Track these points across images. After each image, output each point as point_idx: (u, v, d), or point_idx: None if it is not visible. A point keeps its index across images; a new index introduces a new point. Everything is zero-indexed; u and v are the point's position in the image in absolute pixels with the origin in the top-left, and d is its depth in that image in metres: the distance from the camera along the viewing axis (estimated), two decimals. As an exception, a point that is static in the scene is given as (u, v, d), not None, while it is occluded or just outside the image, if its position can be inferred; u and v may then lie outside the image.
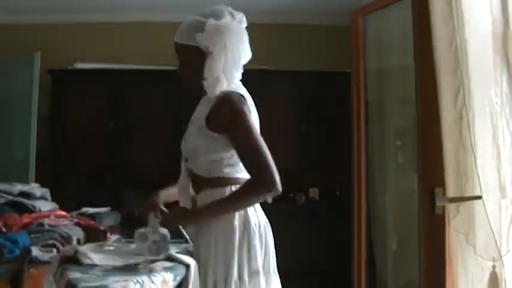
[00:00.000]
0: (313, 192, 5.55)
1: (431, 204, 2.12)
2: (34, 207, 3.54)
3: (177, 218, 2.11)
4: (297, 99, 5.48)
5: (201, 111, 2.11)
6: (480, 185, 2.05)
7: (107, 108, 5.45)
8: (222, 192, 2.05)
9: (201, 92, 2.15)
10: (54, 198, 3.98)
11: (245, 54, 2.13)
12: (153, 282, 1.85)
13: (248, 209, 2.05)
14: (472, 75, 2.11)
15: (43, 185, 4.04)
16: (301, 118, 5.35)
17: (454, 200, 2.14)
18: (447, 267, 2.15)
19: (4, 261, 2.55)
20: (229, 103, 2.02)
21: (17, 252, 2.68)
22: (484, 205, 2.03)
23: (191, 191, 2.17)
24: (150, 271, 1.93)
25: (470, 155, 2.09)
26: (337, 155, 4.94)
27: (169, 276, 1.93)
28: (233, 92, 2.06)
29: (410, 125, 4.00)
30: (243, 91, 2.13)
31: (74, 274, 1.87)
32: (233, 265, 1.99)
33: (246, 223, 2.04)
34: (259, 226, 2.07)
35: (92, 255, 2.02)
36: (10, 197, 3.55)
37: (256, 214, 2.09)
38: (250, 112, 2.06)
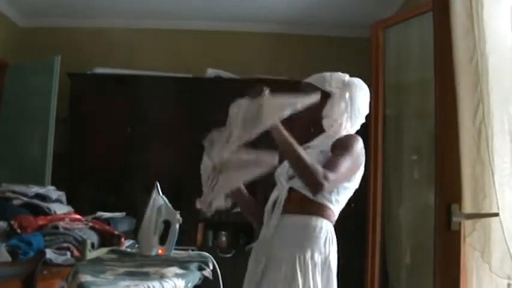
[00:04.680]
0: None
1: (447, 220, 2.10)
2: (49, 209, 3.55)
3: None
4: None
5: (325, 140, 2.32)
6: (497, 202, 2.02)
7: (125, 114, 5.47)
8: (310, 220, 2.15)
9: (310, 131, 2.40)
10: (69, 202, 4.00)
11: (362, 109, 2.41)
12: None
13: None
14: (491, 91, 2.09)
15: (59, 188, 4.06)
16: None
17: (470, 216, 2.11)
18: (461, 284, 2.12)
19: (18, 263, 2.56)
20: (353, 137, 2.30)
21: (31, 254, 2.69)
22: (500, 222, 2.01)
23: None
24: (162, 277, 1.93)
25: (488, 172, 2.07)
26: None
27: (180, 283, 1.93)
28: (356, 135, 2.34)
29: (427, 140, 3.99)
30: None
31: (86, 277, 1.88)
32: None
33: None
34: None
35: None
36: (26, 199, 3.57)
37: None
38: (363, 153, 2.30)
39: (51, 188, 3.99)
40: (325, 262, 2.11)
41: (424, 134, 4.13)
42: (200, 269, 2.26)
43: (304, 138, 2.31)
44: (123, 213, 4.04)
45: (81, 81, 5.56)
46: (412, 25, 4.17)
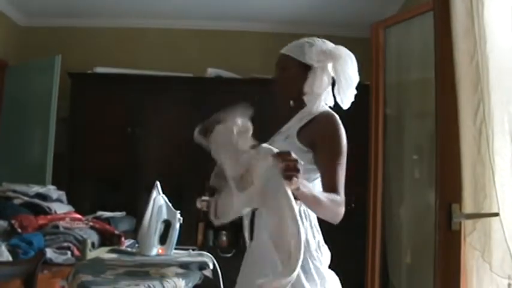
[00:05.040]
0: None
1: (448, 219, 2.10)
2: (50, 209, 3.56)
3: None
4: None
5: (296, 123, 2.15)
6: (498, 202, 2.02)
7: (126, 113, 5.47)
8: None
9: (291, 106, 2.24)
10: (69, 201, 4.00)
11: (352, 79, 2.21)
12: (164, 287, 1.86)
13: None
14: (492, 91, 2.09)
15: (59, 187, 4.07)
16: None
17: (471, 216, 2.11)
18: (462, 284, 2.12)
19: (18, 262, 2.56)
20: (333, 123, 2.09)
21: (32, 253, 2.70)
22: (501, 222, 2.01)
23: None
24: (162, 276, 1.93)
25: (489, 172, 2.07)
26: (353, 167, 4.92)
27: (181, 283, 1.93)
28: (332, 113, 2.15)
29: (427, 139, 3.99)
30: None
31: (86, 277, 1.88)
32: None
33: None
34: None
35: None
36: (26, 198, 3.58)
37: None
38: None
39: (52, 187, 4.00)
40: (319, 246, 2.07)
41: (424, 134, 4.13)
42: (200, 268, 2.26)
43: (285, 113, 2.22)
44: (124, 213, 4.05)
45: (82, 80, 5.56)
46: (413, 25, 4.16)
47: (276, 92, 2.27)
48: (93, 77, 5.58)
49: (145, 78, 5.51)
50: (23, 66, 5.67)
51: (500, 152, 2.05)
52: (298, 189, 1.69)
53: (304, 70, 2.21)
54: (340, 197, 1.95)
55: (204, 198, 2.21)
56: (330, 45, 2.28)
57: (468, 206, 2.12)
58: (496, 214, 2.02)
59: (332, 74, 2.21)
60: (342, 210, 1.94)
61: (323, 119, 2.12)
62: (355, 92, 2.23)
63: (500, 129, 2.07)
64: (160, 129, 5.39)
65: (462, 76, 2.14)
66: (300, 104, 2.21)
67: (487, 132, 2.07)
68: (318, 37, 2.37)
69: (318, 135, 2.07)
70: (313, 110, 2.15)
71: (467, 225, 2.13)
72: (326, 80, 2.20)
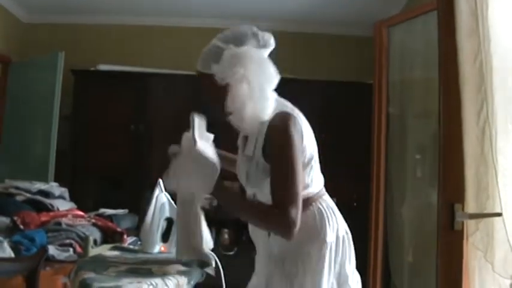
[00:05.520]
0: (331, 203, 5.45)
1: (450, 219, 2.10)
2: (52, 206, 3.56)
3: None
4: (316, 108, 5.46)
5: (257, 143, 2.01)
6: (500, 202, 2.02)
7: (129, 111, 5.48)
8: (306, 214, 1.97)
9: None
10: (72, 198, 4.00)
11: (270, 79, 1.97)
12: (166, 285, 1.86)
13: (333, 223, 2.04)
14: (495, 91, 2.08)
15: (62, 184, 4.07)
16: (321, 127, 5.29)
17: (473, 216, 2.11)
18: (464, 284, 2.12)
19: (21, 259, 2.57)
20: (278, 132, 1.91)
21: (34, 250, 2.70)
22: (503, 222, 2.01)
23: None
24: (164, 274, 1.93)
25: (492, 172, 2.07)
26: (356, 165, 4.91)
27: (183, 280, 1.93)
28: (280, 115, 1.95)
29: (430, 139, 3.98)
30: (288, 106, 2.04)
31: (88, 274, 1.88)
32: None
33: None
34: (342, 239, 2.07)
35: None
36: (29, 195, 3.59)
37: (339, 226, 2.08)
38: (299, 132, 1.95)
39: (54, 184, 4.00)
40: (338, 239, 2.04)
41: (427, 134, 4.12)
42: (202, 266, 2.26)
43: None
44: (126, 210, 4.04)
45: (85, 77, 5.56)
46: (416, 24, 4.16)
47: (213, 113, 2.09)
48: (96, 74, 5.58)
49: (148, 76, 5.51)
50: (26, 63, 5.68)
51: (503, 151, 2.05)
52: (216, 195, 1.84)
53: (222, 88, 1.99)
54: (285, 213, 1.81)
55: (206, 196, 2.21)
56: (242, 48, 1.97)
57: (471, 206, 2.11)
58: (499, 214, 2.02)
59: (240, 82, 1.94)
60: (284, 226, 1.82)
61: (270, 130, 1.94)
62: (276, 80, 2.01)
63: (504, 129, 2.07)
64: (163, 127, 5.38)
65: (466, 76, 2.14)
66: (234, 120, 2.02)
67: (490, 132, 2.07)
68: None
69: (269, 150, 1.94)
70: (261, 121, 1.96)
71: (469, 225, 2.13)
72: (246, 88, 1.93)
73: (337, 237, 2.05)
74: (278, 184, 1.87)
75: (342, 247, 2.05)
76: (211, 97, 2.07)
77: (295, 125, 1.93)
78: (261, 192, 2.02)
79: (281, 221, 1.82)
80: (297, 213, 1.83)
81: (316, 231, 2.00)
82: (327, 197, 2.14)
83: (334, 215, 2.09)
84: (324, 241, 1.99)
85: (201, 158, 1.86)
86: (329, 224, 2.03)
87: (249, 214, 1.94)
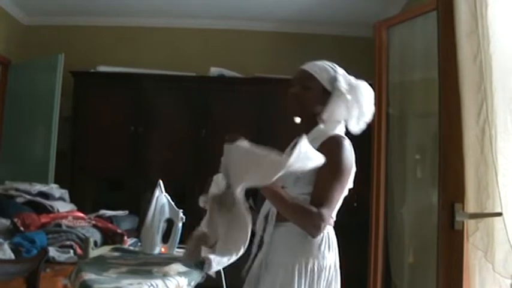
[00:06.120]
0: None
1: (451, 219, 2.10)
2: (52, 207, 3.57)
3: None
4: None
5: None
6: (501, 201, 2.02)
7: (128, 112, 5.48)
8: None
9: (306, 123, 2.28)
10: (72, 200, 4.01)
11: (364, 114, 2.29)
12: (167, 286, 1.86)
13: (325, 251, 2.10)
14: (495, 90, 2.09)
15: (62, 186, 4.08)
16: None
17: (473, 216, 2.11)
18: (464, 284, 2.12)
19: (21, 261, 2.57)
20: (339, 146, 2.12)
21: (34, 251, 2.70)
22: (504, 222, 2.01)
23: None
24: (165, 275, 1.93)
25: (492, 172, 2.07)
26: (356, 166, 4.91)
27: (183, 281, 1.93)
28: (342, 136, 2.20)
29: (430, 139, 3.98)
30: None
31: (89, 275, 1.88)
32: None
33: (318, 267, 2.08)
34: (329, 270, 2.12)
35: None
36: (29, 197, 3.59)
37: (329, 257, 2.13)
38: (353, 156, 2.17)
39: (54, 186, 4.01)
40: (323, 268, 2.07)
41: (427, 134, 4.12)
42: (203, 267, 2.26)
43: (291, 129, 2.26)
44: (126, 212, 4.05)
45: (85, 79, 5.56)
46: (416, 24, 4.16)
47: (290, 106, 2.31)
48: (95, 76, 5.58)
49: (148, 77, 5.51)
50: (26, 65, 5.68)
51: (503, 151, 2.05)
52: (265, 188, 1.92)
53: (324, 94, 2.25)
54: (318, 211, 1.97)
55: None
56: (352, 78, 2.36)
57: (471, 206, 2.12)
58: (499, 214, 2.02)
59: (348, 105, 2.25)
60: (314, 222, 1.97)
61: (330, 141, 2.15)
62: (367, 121, 2.31)
63: (503, 129, 2.07)
64: (163, 128, 5.39)
65: (465, 75, 2.14)
66: (311, 123, 2.25)
67: (490, 132, 2.07)
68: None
69: (323, 153, 2.04)
70: (328, 133, 2.19)
71: (470, 225, 2.13)
72: (344, 109, 2.24)
73: (325, 266, 2.09)
74: (321, 186, 2.05)
75: (325, 275, 2.08)
76: (301, 96, 2.28)
77: (352, 150, 2.17)
78: (293, 191, 2.11)
79: (313, 217, 1.97)
80: (329, 216, 2.04)
81: (305, 248, 2.07)
82: (331, 228, 2.19)
83: (330, 246, 2.14)
84: (307, 262, 2.05)
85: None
86: (319, 249, 2.10)
87: (289, 206, 2.02)
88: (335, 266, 2.14)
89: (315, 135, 2.19)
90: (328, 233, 2.14)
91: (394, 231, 4.36)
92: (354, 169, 2.19)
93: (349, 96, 2.23)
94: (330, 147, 2.10)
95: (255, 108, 5.23)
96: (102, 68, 5.58)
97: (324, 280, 2.07)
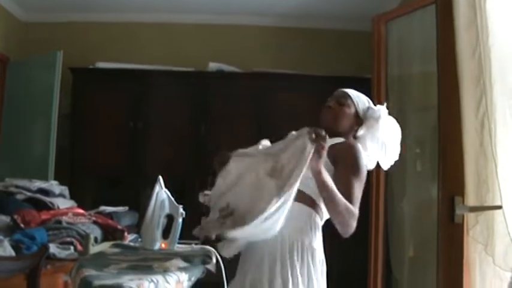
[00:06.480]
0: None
1: (451, 212, 2.10)
2: (52, 204, 3.56)
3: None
4: (315, 103, 5.45)
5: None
6: (500, 194, 2.02)
7: (127, 108, 5.47)
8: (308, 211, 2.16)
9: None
10: (72, 196, 4.01)
11: (391, 148, 2.44)
12: (167, 281, 1.86)
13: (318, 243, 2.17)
14: (494, 83, 2.08)
15: (62, 183, 4.07)
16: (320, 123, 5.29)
17: (473, 209, 2.11)
18: (465, 277, 2.13)
19: (21, 257, 2.57)
20: (356, 148, 2.24)
21: (35, 248, 2.70)
22: (504, 215, 2.01)
23: None
24: (165, 271, 1.93)
25: (491, 164, 2.07)
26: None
27: (184, 277, 1.93)
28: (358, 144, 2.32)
29: (430, 133, 3.98)
30: None
31: (90, 271, 1.88)
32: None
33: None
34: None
35: None
36: (29, 194, 3.59)
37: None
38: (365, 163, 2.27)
39: (54, 182, 4.01)
40: (315, 248, 2.13)
41: (426, 127, 4.12)
42: (203, 262, 2.26)
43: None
44: (126, 208, 4.05)
45: (83, 75, 5.55)
46: (415, 18, 4.15)
47: (324, 117, 2.44)
48: (94, 72, 5.57)
49: (146, 73, 5.50)
50: (24, 62, 5.67)
51: (503, 144, 2.05)
52: (319, 172, 1.95)
53: (356, 118, 2.41)
54: (354, 209, 2.06)
55: (206, 192, 2.21)
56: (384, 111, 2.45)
57: (471, 199, 2.12)
58: (499, 207, 2.03)
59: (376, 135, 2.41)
60: (353, 222, 2.05)
61: (347, 143, 2.30)
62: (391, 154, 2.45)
63: (503, 122, 2.07)
64: (162, 124, 5.38)
65: (464, 68, 2.14)
66: (335, 135, 2.32)
67: (489, 125, 2.07)
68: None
69: (340, 152, 2.20)
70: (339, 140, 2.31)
71: (470, 218, 2.13)
72: (369, 139, 2.41)
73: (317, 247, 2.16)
74: (346, 186, 2.11)
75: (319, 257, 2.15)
76: (336, 113, 2.42)
77: (364, 157, 2.27)
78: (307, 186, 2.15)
79: (354, 218, 2.05)
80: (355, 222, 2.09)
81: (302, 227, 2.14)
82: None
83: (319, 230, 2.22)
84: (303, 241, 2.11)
85: None
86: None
87: (337, 199, 2.04)
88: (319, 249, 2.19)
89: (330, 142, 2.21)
90: (319, 222, 2.22)
91: (394, 225, 4.37)
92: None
93: (379, 126, 2.38)
94: (348, 148, 2.23)
95: (254, 103, 5.23)
96: (101, 65, 5.56)
97: (319, 262, 2.13)
